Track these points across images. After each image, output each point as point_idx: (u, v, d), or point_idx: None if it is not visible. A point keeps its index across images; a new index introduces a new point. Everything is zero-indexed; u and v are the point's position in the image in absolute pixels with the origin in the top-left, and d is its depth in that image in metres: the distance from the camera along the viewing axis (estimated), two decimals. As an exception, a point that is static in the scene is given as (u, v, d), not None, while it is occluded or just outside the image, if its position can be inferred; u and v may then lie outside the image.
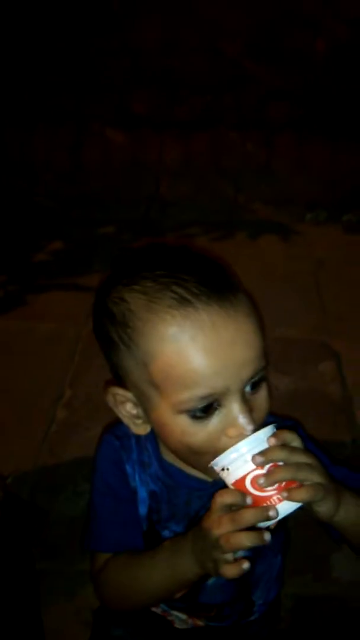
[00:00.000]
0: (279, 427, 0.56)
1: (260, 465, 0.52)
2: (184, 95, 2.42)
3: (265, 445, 0.53)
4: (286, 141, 2.50)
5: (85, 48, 2.38)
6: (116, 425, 0.71)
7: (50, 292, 1.88)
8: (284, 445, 0.54)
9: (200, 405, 0.55)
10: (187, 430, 0.57)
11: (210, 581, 0.71)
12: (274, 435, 0.54)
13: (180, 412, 0.56)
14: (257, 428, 0.57)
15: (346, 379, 1.55)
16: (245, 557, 0.55)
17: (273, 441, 0.54)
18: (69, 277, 1.96)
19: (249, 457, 0.52)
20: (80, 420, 1.39)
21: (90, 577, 0.72)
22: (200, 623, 0.76)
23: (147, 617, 0.79)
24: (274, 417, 0.71)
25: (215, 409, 0.56)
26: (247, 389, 0.57)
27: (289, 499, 0.52)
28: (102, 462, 0.71)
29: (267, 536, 0.52)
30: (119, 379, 0.62)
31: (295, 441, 0.56)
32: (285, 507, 0.52)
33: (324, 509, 0.55)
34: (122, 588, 0.68)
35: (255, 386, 0.57)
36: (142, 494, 0.69)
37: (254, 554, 0.71)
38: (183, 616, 0.76)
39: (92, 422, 1.35)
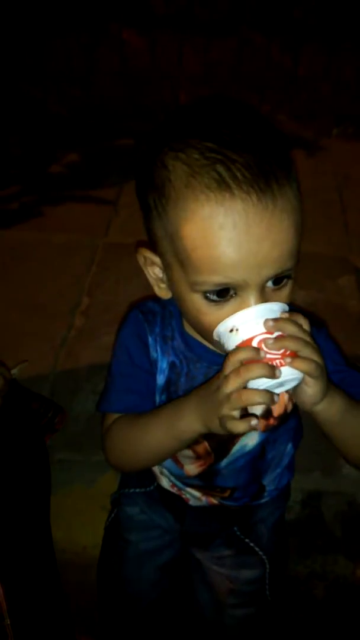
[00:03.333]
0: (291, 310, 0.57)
1: (270, 330, 0.53)
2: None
3: (277, 315, 0.55)
4: (314, 48, 2.33)
5: None
6: (142, 302, 0.72)
7: (67, 204, 1.85)
8: (294, 321, 0.55)
9: (215, 289, 0.55)
10: (200, 309, 0.57)
11: (224, 462, 0.74)
12: (288, 312, 0.55)
13: (196, 291, 0.56)
14: None
15: (365, 293, 1.53)
16: (255, 416, 0.56)
17: (286, 315, 0.55)
18: (86, 190, 1.92)
19: (261, 321, 0.54)
20: (98, 327, 1.41)
21: (100, 438, 0.75)
22: (214, 501, 0.80)
23: (162, 496, 0.84)
24: (301, 311, 0.71)
25: (232, 296, 0.55)
26: (269, 284, 0.56)
27: (291, 364, 0.53)
28: (125, 333, 0.72)
29: (276, 397, 0.54)
30: (152, 243, 0.62)
31: (305, 325, 0.56)
32: (286, 373, 0.53)
33: (310, 392, 0.56)
34: (125, 445, 0.71)
35: (278, 282, 0.56)
36: (163, 364, 0.71)
37: (265, 440, 0.73)
38: (197, 494, 0.79)
39: (109, 328, 1.37)
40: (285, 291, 0.57)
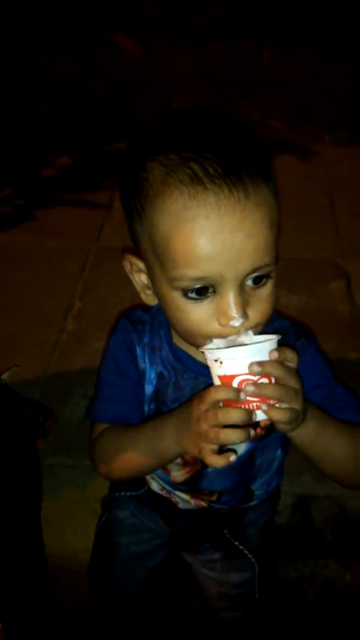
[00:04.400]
0: (285, 344, 0.56)
1: (255, 374, 0.53)
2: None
3: (265, 356, 0.54)
4: (306, 54, 2.35)
5: None
6: (131, 310, 0.73)
7: (59, 208, 1.85)
8: (282, 363, 0.54)
9: (193, 286, 0.55)
10: (180, 308, 0.57)
11: (211, 469, 0.74)
12: (278, 350, 0.55)
13: (175, 288, 0.56)
14: (255, 327, 0.57)
15: (355, 298, 1.54)
16: (234, 451, 0.58)
17: (275, 355, 0.54)
18: (78, 193, 1.92)
19: (247, 362, 0.53)
20: (90, 331, 1.41)
21: (88, 445, 0.76)
22: (203, 504, 0.80)
23: (152, 499, 0.84)
24: (291, 322, 0.72)
25: (210, 294, 0.56)
26: (249, 282, 0.56)
27: (266, 413, 0.54)
28: (114, 342, 0.73)
29: (252, 432, 0.55)
30: (136, 248, 0.63)
31: (293, 362, 0.56)
32: (260, 417, 0.55)
33: (282, 427, 0.57)
34: (111, 456, 0.72)
35: (257, 282, 0.56)
36: (151, 375, 0.71)
37: (253, 448, 0.74)
38: (186, 497, 0.80)
39: (101, 333, 1.37)
40: (265, 291, 0.57)
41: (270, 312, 0.59)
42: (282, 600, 0.98)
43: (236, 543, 0.84)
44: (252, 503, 0.82)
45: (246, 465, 0.76)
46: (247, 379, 0.54)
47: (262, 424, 0.70)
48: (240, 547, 0.84)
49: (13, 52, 2.31)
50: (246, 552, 0.84)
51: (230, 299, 0.55)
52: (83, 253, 1.67)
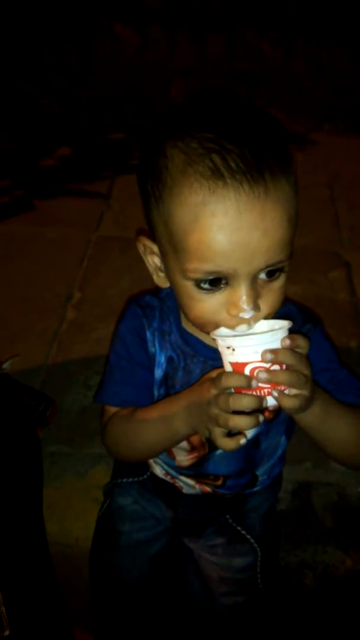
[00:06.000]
0: (295, 331, 0.57)
1: (267, 362, 0.54)
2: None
3: (277, 343, 0.54)
4: (305, 43, 2.34)
5: None
6: (141, 296, 0.73)
7: (58, 198, 1.85)
8: (293, 351, 0.55)
9: (206, 278, 0.55)
10: (192, 297, 0.58)
11: (218, 452, 0.75)
12: (290, 337, 0.55)
13: (188, 278, 0.56)
14: (266, 317, 0.58)
15: (355, 287, 1.54)
16: (244, 435, 0.59)
17: (287, 343, 0.54)
18: (78, 183, 1.91)
19: (260, 349, 0.54)
20: (90, 321, 1.40)
21: (100, 430, 0.77)
22: (208, 489, 0.80)
23: (155, 484, 0.84)
24: (297, 307, 0.72)
25: (223, 285, 0.56)
26: (262, 275, 0.56)
27: (277, 400, 0.55)
28: (123, 327, 0.73)
29: (262, 418, 0.56)
30: (151, 231, 0.63)
31: (304, 348, 0.57)
32: (270, 403, 0.56)
33: (291, 411, 0.58)
34: (122, 439, 0.73)
35: (271, 275, 0.56)
36: (161, 359, 0.72)
37: (260, 430, 0.74)
38: (191, 482, 0.80)
39: (101, 322, 1.37)
40: (278, 284, 0.57)
41: (280, 303, 0.59)
42: (282, 585, 0.99)
43: (238, 528, 0.84)
44: (256, 489, 0.83)
45: (251, 448, 0.76)
46: (260, 367, 0.54)
47: (271, 409, 0.71)
48: (243, 532, 0.84)
49: (13, 43, 2.29)
50: (248, 537, 0.84)
51: (242, 291, 0.55)
52: (83, 243, 1.66)
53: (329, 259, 1.64)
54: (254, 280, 0.55)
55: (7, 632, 0.76)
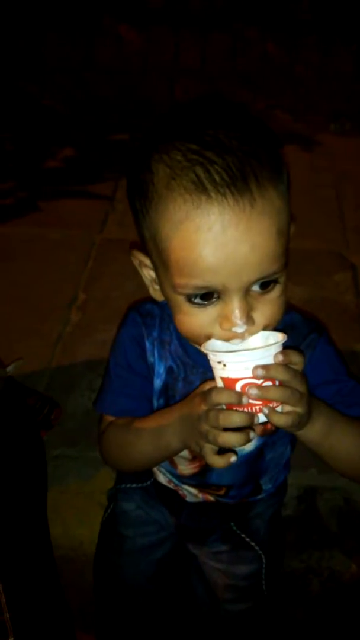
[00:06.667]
0: (291, 345, 0.55)
1: (259, 377, 0.52)
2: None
3: (270, 360, 0.53)
4: (309, 43, 2.33)
5: None
6: (141, 303, 0.72)
7: (62, 199, 1.84)
8: (287, 366, 0.53)
9: (197, 293, 0.54)
10: (183, 311, 0.57)
11: None
12: (283, 352, 0.53)
13: (179, 293, 0.55)
14: (265, 328, 0.56)
15: (361, 289, 1.53)
16: (234, 452, 0.58)
17: (280, 359, 0.53)
18: (81, 185, 1.91)
19: (251, 366, 0.52)
20: (94, 323, 1.40)
21: (97, 438, 0.77)
22: (211, 498, 0.80)
23: (158, 491, 0.84)
24: (302, 317, 0.71)
25: (215, 299, 0.55)
26: (255, 288, 0.54)
27: (268, 417, 0.53)
28: (123, 335, 0.73)
29: (252, 435, 0.55)
30: (142, 245, 0.62)
31: (299, 364, 0.55)
32: (262, 420, 0.54)
33: (290, 429, 0.57)
34: (117, 449, 0.72)
35: (264, 287, 0.55)
36: (160, 369, 0.71)
37: (263, 443, 0.73)
38: (194, 491, 0.80)
39: (106, 325, 1.37)
40: (273, 295, 0.56)
41: (280, 314, 0.57)
42: (287, 591, 0.98)
43: (243, 535, 0.84)
44: (260, 497, 0.82)
45: (256, 460, 0.75)
46: (251, 383, 0.53)
47: (268, 427, 0.70)
48: (247, 540, 0.84)
49: (17, 43, 2.29)
50: (253, 544, 0.83)
51: (234, 305, 0.53)
52: (87, 244, 1.66)
53: (334, 260, 1.63)
54: (246, 293, 0.54)
55: (11, 639, 0.76)
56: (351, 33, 2.28)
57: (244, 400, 0.53)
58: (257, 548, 0.83)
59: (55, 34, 2.31)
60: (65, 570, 0.94)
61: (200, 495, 0.80)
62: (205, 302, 0.55)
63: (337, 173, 2.00)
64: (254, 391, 0.52)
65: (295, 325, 0.68)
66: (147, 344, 0.70)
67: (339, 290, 1.53)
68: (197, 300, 0.55)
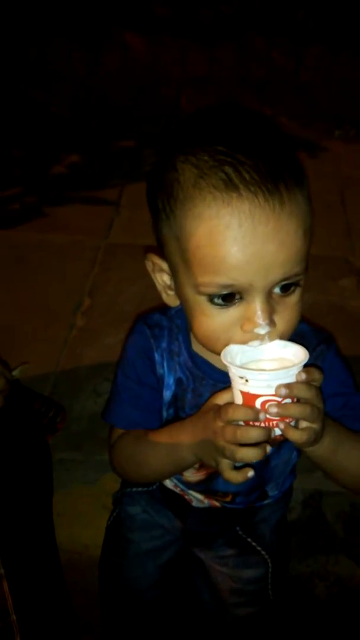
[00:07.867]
0: (310, 364, 0.55)
1: (281, 395, 0.52)
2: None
3: (292, 378, 0.53)
4: (316, 51, 2.34)
5: None
6: (149, 314, 0.72)
7: (69, 205, 1.86)
8: (309, 384, 0.53)
9: (220, 292, 0.54)
10: (204, 312, 0.56)
11: None
12: (306, 371, 0.53)
13: (201, 293, 0.55)
14: (282, 335, 0.56)
15: (367, 295, 1.53)
16: (252, 467, 0.57)
17: (303, 377, 0.53)
18: (87, 191, 1.93)
19: (274, 384, 0.52)
20: (99, 328, 1.41)
21: (108, 449, 0.76)
22: (217, 504, 0.80)
23: (164, 495, 0.84)
24: (310, 327, 0.70)
25: (237, 300, 0.55)
26: (277, 290, 0.55)
27: (284, 432, 0.53)
28: (131, 348, 0.72)
29: (269, 449, 0.55)
30: (160, 248, 0.62)
31: (319, 382, 0.55)
32: (278, 433, 0.54)
33: (304, 445, 0.56)
34: (129, 462, 0.72)
35: (286, 289, 0.55)
36: (169, 380, 0.70)
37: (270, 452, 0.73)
38: (200, 496, 0.79)
39: (111, 329, 1.37)
40: (293, 299, 0.56)
41: (298, 321, 0.58)
42: (293, 595, 0.98)
43: (249, 540, 0.83)
44: (266, 502, 0.82)
45: (261, 467, 0.75)
46: (271, 400, 0.52)
47: (278, 437, 0.70)
48: (253, 544, 0.83)
49: (24, 50, 2.32)
50: (259, 548, 0.83)
51: (258, 306, 0.53)
52: (92, 250, 1.67)
53: (340, 266, 1.63)
54: (269, 294, 0.54)
55: (17, 640, 0.76)
56: (356, 40, 2.29)
57: (261, 416, 0.52)
58: (263, 552, 0.83)
59: (63, 42, 2.34)
60: (70, 573, 0.94)
61: (206, 501, 0.80)
62: (227, 304, 0.55)
63: (342, 179, 2.01)
64: (274, 409, 0.52)
65: (304, 335, 0.67)
66: (156, 356, 0.70)
67: (344, 295, 1.53)
68: (219, 301, 0.55)
